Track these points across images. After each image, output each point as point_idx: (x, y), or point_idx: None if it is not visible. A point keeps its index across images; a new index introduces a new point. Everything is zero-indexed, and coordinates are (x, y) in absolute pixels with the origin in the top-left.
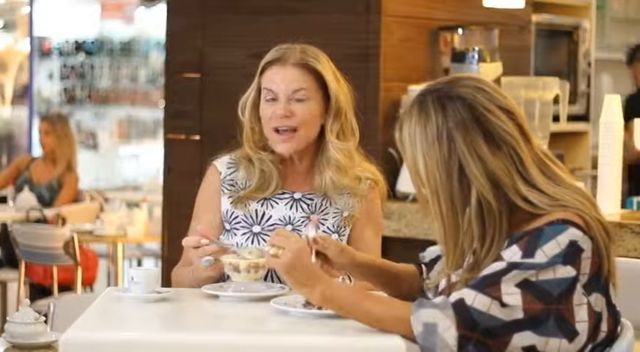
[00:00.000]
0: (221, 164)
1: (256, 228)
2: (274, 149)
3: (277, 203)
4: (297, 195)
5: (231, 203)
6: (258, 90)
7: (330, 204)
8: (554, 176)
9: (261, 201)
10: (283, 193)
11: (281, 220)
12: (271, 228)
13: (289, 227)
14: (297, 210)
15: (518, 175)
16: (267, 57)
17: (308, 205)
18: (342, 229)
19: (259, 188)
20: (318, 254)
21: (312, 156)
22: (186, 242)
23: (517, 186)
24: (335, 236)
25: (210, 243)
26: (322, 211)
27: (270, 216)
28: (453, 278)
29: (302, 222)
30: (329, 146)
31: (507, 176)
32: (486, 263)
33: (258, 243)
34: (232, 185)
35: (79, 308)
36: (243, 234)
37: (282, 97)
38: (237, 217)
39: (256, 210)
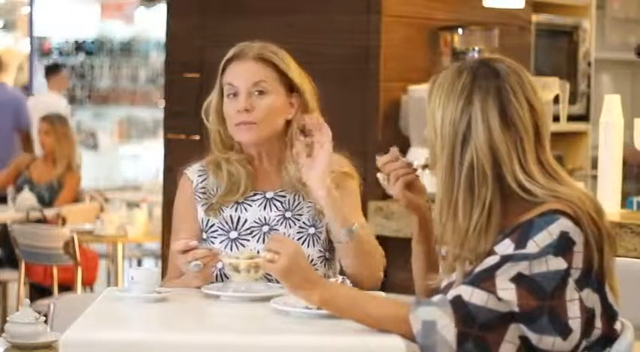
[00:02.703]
0: (192, 172)
1: (233, 234)
2: (237, 140)
3: (250, 205)
4: (269, 195)
5: (205, 211)
6: (221, 92)
7: (303, 199)
8: (555, 175)
9: (235, 206)
10: (255, 194)
11: (257, 222)
12: (248, 231)
13: (266, 227)
14: (271, 210)
15: (518, 163)
16: (227, 55)
17: (281, 203)
18: (318, 222)
19: (229, 191)
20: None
21: (280, 153)
22: (175, 246)
23: (515, 171)
24: (312, 229)
25: (198, 246)
26: (296, 207)
27: (246, 220)
28: (453, 277)
29: (278, 221)
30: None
31: (507, 156)
32: (484, 238)
33: (237, 249)
34: (204, 192)
35: (79, 308)
36: (221, 241)
37: (243, 91)
38: (212, 225)
39: (231, 216)
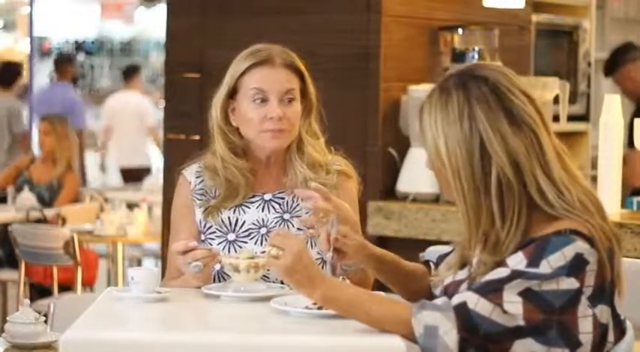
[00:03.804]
0: (190, 173)
1: (231, 236)
2: (264, 146)
3: (249, 207)
4: (267, 197)
5: (203, 213)
6: (230, 93)
7: (302, 201)
8: (569, 172)
9: (233, 208)
10: (253, 196)
11: (255, 224)
12: (246, 233)
13: (264, 229)
14: (269, 212)
15: (536, 160)
16: (250, 58)
17: (280, 205)
18: (317, 224)
19: (228, 197)
20: (335, 250)
21: (284, 155)
22: (174, 247)
23: (535, 172)
24: (310, 231)
25: (197, 246)
26: (294, 209)
27: (244, 222)
28: (460, 276)
29: (276, 223)
30: (304, 144)
31: (526, 159)
32: (508, 245)
33: (235, 251)
34: (203, 194)
35: (79, 308)
36: (219, 243)
37: (274, 98)
38: (210, 227)
39: (229, 218)
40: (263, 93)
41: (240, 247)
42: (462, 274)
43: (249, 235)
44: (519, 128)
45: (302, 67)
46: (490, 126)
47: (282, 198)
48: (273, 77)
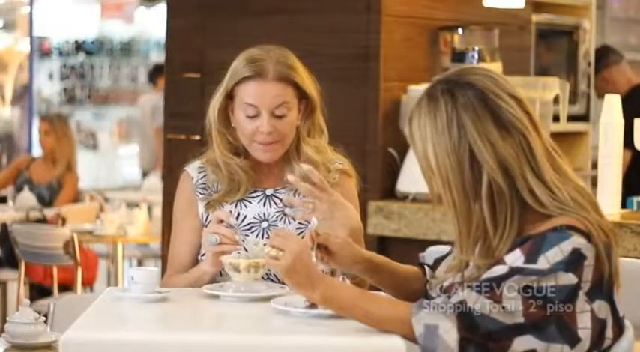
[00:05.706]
0: (192, 169)
1: None
2: (257, 158)
3: (250, 202)
4: (268, 192)
5: (205, 207)
6: (228, 97)
7: (303, 196)
8: (560, 171)
9: (234, 202)
10: (255, 191)
11: (256, 218)
12: (247, 227)
13: (265, 223)
14: (270, 206)
15: (526, 163)
16: (246, 69)
17: (281, 200)
18: None
19: (229, 192)
20: (319, 246)
21: (283, 154)
22: (217, 214)
23: (525, 175)
24: (310, 225)
25: (231, 223)
26: (295, 206)
27: (245, 216)
28: (459, 278)
29: (277, 218)
30: (301, 144)
31: (516, 163)
32: (501, 249)
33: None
34: (205, 188)
35: (79, 308)
36: None
37: (265, 113)
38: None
39: (230, 212)
40: (255, 109)
41: (242, 240)
42: (461, 277)
43: (250, 229)
44: (508, 132)
45: (296, 77)
46: (478, 134)
47: (284, 194)
48: (266, 92)
